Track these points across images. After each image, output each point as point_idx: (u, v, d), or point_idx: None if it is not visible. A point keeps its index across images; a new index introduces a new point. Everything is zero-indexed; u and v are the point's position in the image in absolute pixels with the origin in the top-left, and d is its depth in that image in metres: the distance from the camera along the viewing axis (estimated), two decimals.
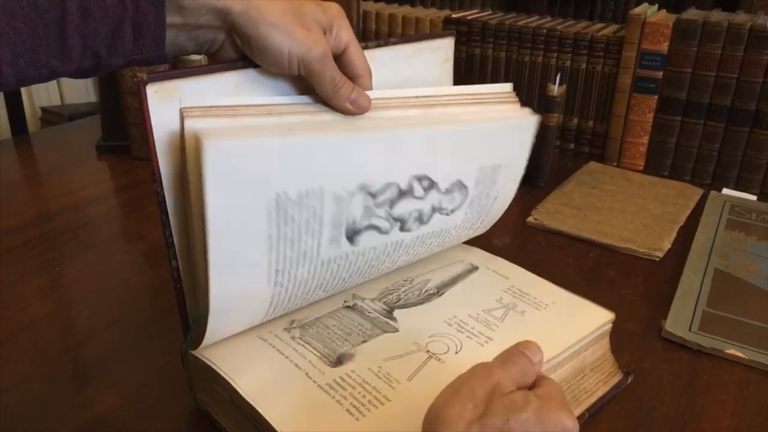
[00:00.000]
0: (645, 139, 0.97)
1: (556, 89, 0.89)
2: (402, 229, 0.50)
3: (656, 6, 1.00)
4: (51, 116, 2.07)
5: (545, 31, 1.00)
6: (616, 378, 0.54)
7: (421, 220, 0.51)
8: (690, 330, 0.60)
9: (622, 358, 0.57)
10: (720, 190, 0.92)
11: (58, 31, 0.39)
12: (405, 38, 0.54)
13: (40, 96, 2.15)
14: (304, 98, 0.46)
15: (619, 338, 0.60)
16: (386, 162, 0.47)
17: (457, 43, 1.08)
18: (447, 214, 0.54)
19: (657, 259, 0.73)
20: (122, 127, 1.00)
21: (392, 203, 0.48)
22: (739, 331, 0.60)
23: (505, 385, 0.36)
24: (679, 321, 0.61)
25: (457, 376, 0.36)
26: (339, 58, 0.46)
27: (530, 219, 0.81)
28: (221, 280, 0.41)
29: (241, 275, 0.43)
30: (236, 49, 0.44)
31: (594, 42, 0.97)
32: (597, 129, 1.01)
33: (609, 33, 0.97)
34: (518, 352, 0.39)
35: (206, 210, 0.38)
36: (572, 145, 1.04)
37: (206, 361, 0.45)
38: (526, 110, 0.55)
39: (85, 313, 0.64)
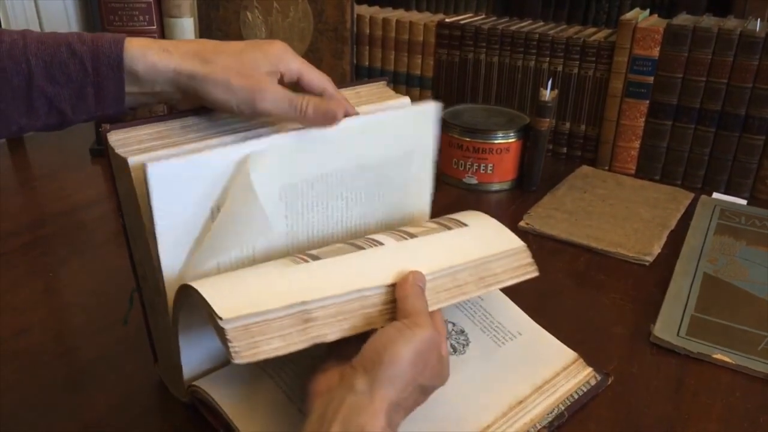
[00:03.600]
0: (636, 144, 0.97)
1: (548, 94, 0.89)
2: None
3: (648, 11, 1.01)
4: None
5: (537, 35, 1.00)
6: (592, 379, 0.55)
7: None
8: (678, 335, 0.60)
9: (611, 362, 0.58)
10: (710, 194, 0.92)
11: (26, 94, 0.45)
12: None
13: None
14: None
15: (607, 342, 0.61)
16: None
17: (449, 48, 1.09)
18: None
19: (647, 264, 0.74)
20: None
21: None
22: (726, 336, 0.61)
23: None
24: (668, 326, 0.62)
25: None
26: (298, 86, 0.51)
27: (522, 223, 0.82)
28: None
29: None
30: (193, 103, 0.49)
31: (586, 47, 0.97)
32: (589, 133, 1.02)
33: (601, 38, 0.98)
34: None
35: (155, 227, 0.43)
36: (564, 149, 1.05)
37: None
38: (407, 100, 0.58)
39: (79, 318, 0.64)
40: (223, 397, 0.48)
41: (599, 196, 0.90)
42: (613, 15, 1.92)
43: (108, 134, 0.45)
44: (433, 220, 0.58)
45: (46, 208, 0.87)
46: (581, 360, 0.56)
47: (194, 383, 0.49)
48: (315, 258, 0.48)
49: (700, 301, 0.66)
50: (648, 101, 0.95)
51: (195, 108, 0.50)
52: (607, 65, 0.97)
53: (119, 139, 0.45)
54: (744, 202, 0.90)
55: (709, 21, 0.93)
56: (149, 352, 0.55)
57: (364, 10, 1.18)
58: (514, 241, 0.56)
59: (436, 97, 1.13)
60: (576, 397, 0.52)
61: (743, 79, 0.88)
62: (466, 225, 0.56)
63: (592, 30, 1.04)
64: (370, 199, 0.56)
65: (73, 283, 0.69)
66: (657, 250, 0.76)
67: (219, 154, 0.46)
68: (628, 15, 0.96)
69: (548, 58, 1.01)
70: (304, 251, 0.49)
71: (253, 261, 0.50)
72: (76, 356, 0.58)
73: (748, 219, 0.84)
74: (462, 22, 1.08)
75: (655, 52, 0.92)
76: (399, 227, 0.55)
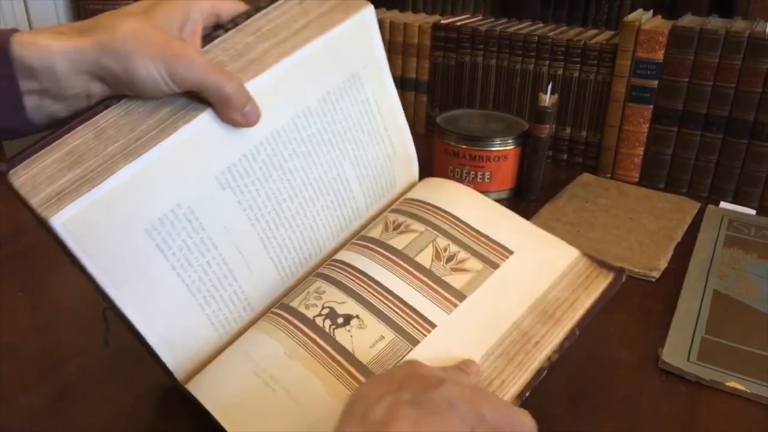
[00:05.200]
0: (640, 150, 0.94)
1: (548, 99, 0.85)
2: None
3: (651, 12, 0.97)
4: None
5: (537, 38, 0.96)
6: (606, 279, 0.52)
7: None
8: (688, 360, 0.57)
9: (618, 390, 0.54)
10: (717, 204, 0.89)
11: None
12: None
13: None
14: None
15: (614, 369, 0.57)
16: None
17: (446, 50, 1.05)
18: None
19: (653, 280, 0.70)
20: None
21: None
22: (739, 361, 0.57)
23: (426, 370, 0.39)
24: (677, 350, 0.58)
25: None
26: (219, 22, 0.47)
27: None
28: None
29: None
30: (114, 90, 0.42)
31: (587, 49, 0.94)
32: (590, 139, 0.98)
33: (602, 40, 0.94)
34: (453, 365, 0.44)
35: (92, 274, 0.41)
36: (565, 156, 1.01)
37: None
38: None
39: (68, 332, 0.60)
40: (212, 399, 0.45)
41: (602, 206, 0.86)
42: (613, 15, 1.88)
43: (12, 180, 0.39)
44: (473, 236, 0.54)
45: (25, 218, 0.83)
46: (585, 257, 0.53)
47: (186, 386, 0.47)
48: (346, 320, 0.47)
49: (711, 322, 0.62)
50: (652, 106, 0.91)
51: (108, 97, 0.42)
52: (609, 69, 0.93)
53: (26, 182, 0.39)
54: (753, 212, 0.86)
55: (715, 23, 0.89)
56: (144, 366, 0.51)
57: None
58: (565, 253, 0.53)
59: (431, 101, 1.09)
60: (587, 307, 0.50)
61: (752, 83, 0.84)
62: (511, 252, 0.53)
63: (593, 32, 1.00)
64: (333, 144, 0.51)
65: (60, 295, 0.66)
66: (663, 264, 0.72)
67: (129, 172, 0.40)
68: (631, 16, 0.92)
69: (548, 62, 0.97)
70: (295, 258, 0.48)
71: (245, 298, 0.48)
72: (65, 371, 0.55)
73: (758, 230, 0.80)
74: (458, 23, 1.04)
75: (660, 55, 0.88)
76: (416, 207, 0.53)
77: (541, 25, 1.05)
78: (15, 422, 0.50)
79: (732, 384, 0.54)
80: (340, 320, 0.49)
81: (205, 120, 0.43)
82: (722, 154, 0.89)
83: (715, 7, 1.45)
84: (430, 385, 0.37)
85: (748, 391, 0.53)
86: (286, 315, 0.50)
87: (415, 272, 0.52)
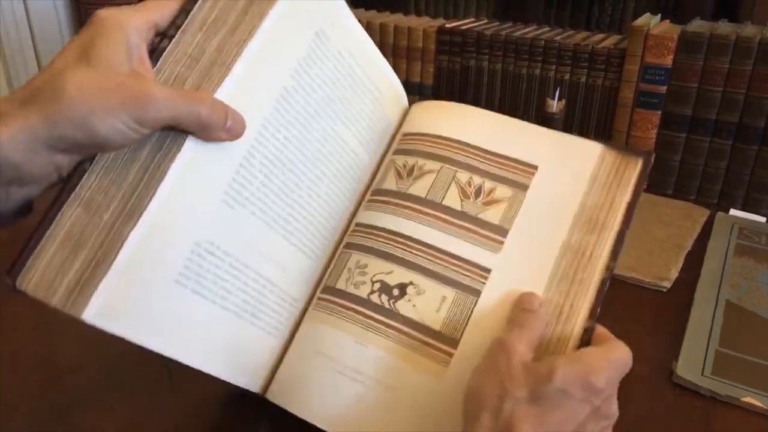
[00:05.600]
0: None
1: (555, 104, 0.84)
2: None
3: (659, 16, 0.96)
4: None
5: (543, 42, 0.95)
6: (636, 167, 0.50)
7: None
8: (703, 374, 0.55)
9: (631, 405, 0.52)
10: (727, 211, 0.87)
11: None
12: None
13: None
14: None
15: (626, 383, 0.55)
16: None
17: (451, 54, 1.04)
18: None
19: (664, 290, 0.69)
20: None
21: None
22: (755, 375, 0.56)
23: (523, 353, 0.40)
24: (691, 363, 0.57)
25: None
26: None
27: None
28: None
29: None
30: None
31: (594, 54, 0.92)
32: None
33: (610, 45, 0.93)
34: (518, 310, 0.44)
35: (141, 345, 0.39)
36: None
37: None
38: None
39: (71, 341, 0.59)
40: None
41: None
42: (616, 19, 1.87)
43: (23, 288, 0.36)
44: (492, 160, 0.51)
45: None
46: (609, 149, 0.51)
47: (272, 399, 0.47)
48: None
49: (725, 334, 0.61)
50: (660, 112, 0.90)
51: (80, 161, 0.38)
52: (617, 74, 0.92)
53: (38, 285, 0.37)
54: (763, 219, 0.85)
55: (725, 28, 0.88)
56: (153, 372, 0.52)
57: (360, 14, 1.13)
58: (589, 151, 0.51)
59: None
60: (627, 202, 0.49)
61: (763, 89, 0.83)
62: (536, 167, 0.50)
63: (600, 36, 0.99)
64: (320, 113, 0.49)
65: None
66: (674, 274, 0.71)
67: (137, 234, 0.37)
68: (640, 21, 0.91)
69: (555, 66, 0.96)
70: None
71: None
72: (71, 380, 0.53)
73: None
74: (463, 27, 1.03)
75: (669, 61, 0.87)
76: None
77: (547, 29, 1.04)
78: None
79: (748, 400, 0.53)
80: (396, 291, 0.47)
81: (189, 151, 0.40)
82: (732, 160, 0.88)
83: (720, 9, 1.44)
84: (541, 376, 0.38)
85: (765, 407, 0.52)
86: (338, 300, 0.48)
87: (448, 218, 0.49)
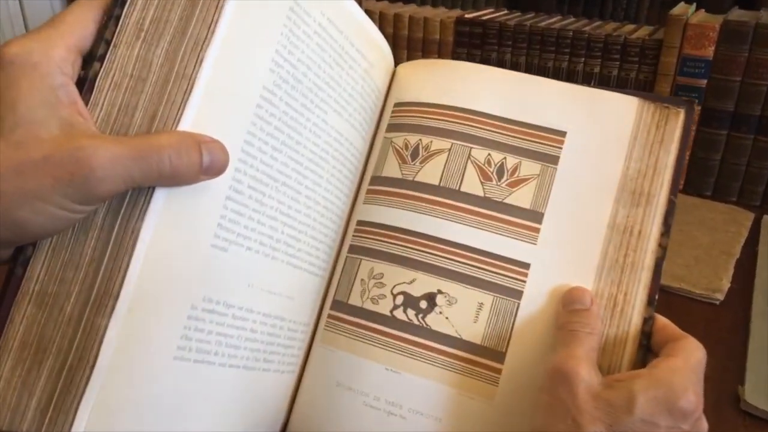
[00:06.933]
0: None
1: None
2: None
3: (694, 5, 0.90)
4: None
5: (571, 33, 0.89)
6: (677, 118, 0.41)
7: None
8: None
9: None
10: None
11: None
12: None
13: None
14: None
15: None
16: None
17: (470, 47, 0.98)
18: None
19: (717, 303, 0.63)
20: None
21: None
22: None
23: (587, 378, 0.34)
24: (759, 388, 0.51)
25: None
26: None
27: None
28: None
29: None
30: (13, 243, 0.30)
31: (627, 45, 0.86)
32: None
33: (644, 35, 0.87)
34: (567, 312, 0.38)
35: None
36: None
37: None
38: None
39: None
40: None
41: None
42: (631, 11, 1.80)
43: None
44: (510, 129, 0.43)
45: None
46: (646, 102, 0.42)
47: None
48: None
49: None
50: (700, 107, 0.84)
51: (19, 248, 0.31)
52: (652, 66, 0.85)
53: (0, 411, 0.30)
54: None
55: None
56: None
57: (373, 5, 1.07)
58: (623, 107, 0.42)
59: None
60: (673, 165, 0.40)
61: None
62: (564, 133, 0.42)
63: (632, 27, 0.93)
64: (308, 106, 0.40)
65: None
66: (726, 284, 0.65)
67: (116, 323, 0.30)
68: (677, 10, 0.85)
69: (583, 59, 0.89)
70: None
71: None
72: None
73: None
74: (484, 17, 0.97)
75: (709, 52, 0.81)
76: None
77: (573, 19, 0.98)
78: None
79: None
80: (423, 304, 0.40)
81: (160, 201, 0.31)
82: None
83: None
84: (618, 408, 0.33)
85: None
86: (355, 320, 0.41)
87: (471, 208, 0.42)
